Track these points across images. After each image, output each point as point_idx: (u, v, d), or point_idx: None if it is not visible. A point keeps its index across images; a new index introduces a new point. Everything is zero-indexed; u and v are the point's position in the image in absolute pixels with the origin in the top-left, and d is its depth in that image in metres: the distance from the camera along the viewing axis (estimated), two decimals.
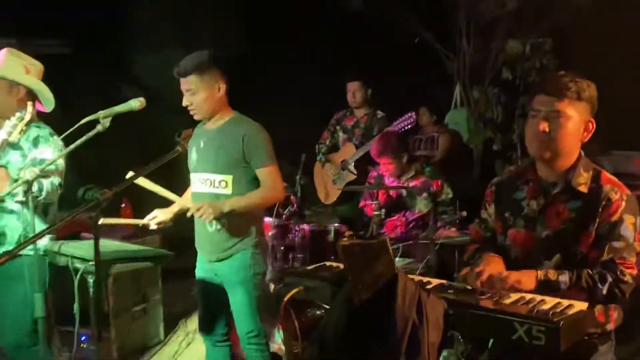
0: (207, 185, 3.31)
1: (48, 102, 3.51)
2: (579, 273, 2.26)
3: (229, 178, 3.27)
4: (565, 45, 6.34)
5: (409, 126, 5.12)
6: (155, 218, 3.42)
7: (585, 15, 5.99)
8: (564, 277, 2.26)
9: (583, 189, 2.36)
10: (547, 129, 2.32)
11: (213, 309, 3.46)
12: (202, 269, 3.47)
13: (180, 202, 3.45)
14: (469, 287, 2.32)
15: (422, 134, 7.11)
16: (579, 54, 6.10)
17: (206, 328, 3.51)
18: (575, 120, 2.33)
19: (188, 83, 3.21)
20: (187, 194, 3.55)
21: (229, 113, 3.35)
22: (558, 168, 2.40)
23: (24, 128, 3.14)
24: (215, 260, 3.35)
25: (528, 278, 2.27)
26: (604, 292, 2.24)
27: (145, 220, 3.43)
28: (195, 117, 3.31)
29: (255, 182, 3.29)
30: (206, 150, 3.32)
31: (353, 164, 5.45)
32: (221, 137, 3.29)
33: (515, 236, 2.49)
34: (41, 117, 3.52)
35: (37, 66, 3.49)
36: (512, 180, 2.56)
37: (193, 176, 3.40)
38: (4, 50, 3.44)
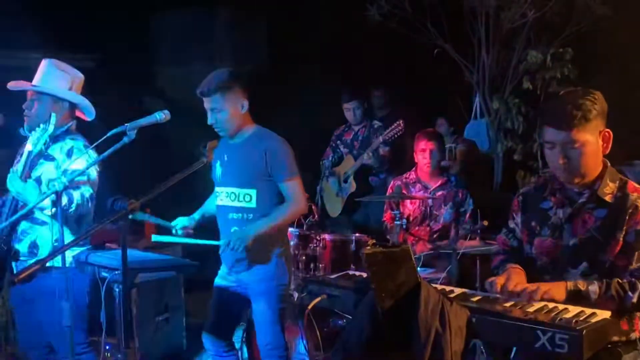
0: (232, 199, 3.36)
1: (89, 112, 3.57)
2: (608, 282, 2.27)
3: (252, 192, 3.32)
4: (586, 55, 6.31)
5: (399, 134, 5.27)
6: (180, 223, 3.52)
7: (606, 25, 5.97)
8: (594, 287, 2.27)
9: (609, 198, 2.37)
10: (566, 160, 2.34)
11: (226, 317, 3.49)
12: (225, 278, 3.49)
13: (200, 211, 3.58)
14: (492, 296, 2.33)
15: None
16: (599, 64, 6.08)
17: (213, 334, 3.52)
18: (591, 141, 2.34)
19: (212, 102, 3.27)
20: (209, 202, 3.64)
21: (252, 127, 3.41)
22: (584, 181, 2.42)
23: (47, 140, 3.21)
24: (241, 271, 3.38)
25: (558, 290, 2.28)
26: (635, 300, 2.25)
27: (172, 224, 3.51)
28: (220, 134, 3.38)
29: (279, 195, 3.34)
30: (230, 165, 3.37)
31: (352, 175, 5.60)
32: (244, 152, 3.34)
33: (541, 245, 2.51)
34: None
35: (79, 77, 3.55)
36: (539, 190, 2.58)
37: (218, 189, 3.45)
38: (46, 62, 3.49)
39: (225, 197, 3.39)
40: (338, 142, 6.01)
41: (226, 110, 3.28)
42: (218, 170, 3.45)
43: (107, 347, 4.38)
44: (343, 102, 5.87)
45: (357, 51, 7.47)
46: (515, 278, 2.38)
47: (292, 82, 7.62)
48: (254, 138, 3.37)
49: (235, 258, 3.35)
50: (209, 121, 3.32)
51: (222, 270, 3.51)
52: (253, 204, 3.32)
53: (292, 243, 4.40)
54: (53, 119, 3.24)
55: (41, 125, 3.22)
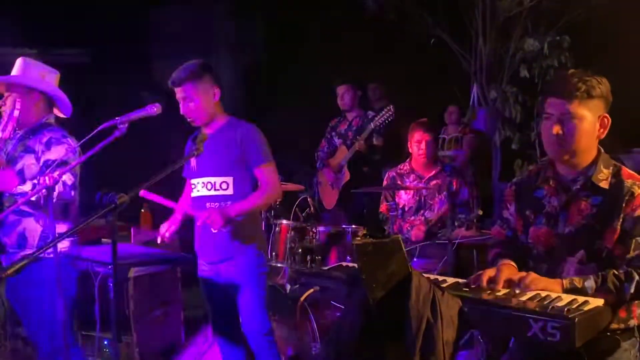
0: (209, 188, 3.37)
1: (65, 107, 3.57)
2: (604, 275, 2.23)
3: (229, 179, 3.35)
4: (584, 43, 6.29)
5: (390, 119, 5.33)
6: (169, 229, 3.44)
7: (603, 13, 5.94)
8: (590, 282, 2.23)
9: (604, 184, 2.34)
10: (560, 132, 2.31)
11: (222, 309, 3.50)
12: (205, 271, 3.50)
13: (181, 209, 3.50)
14: (484, 285, 2.32)
15: (445, 133, 7.05)
16: (597, 52, 6.05)
17: (218, 328, 3.55)
18: (589, 120, 2.32)
19: (184, 91, 3.30)
20: (184, 199, 3.62)
21: (224, 117, 3.44)
22: (577, 166, 2.40)
23: (15, 126, 3.21)
24: (217, 262, 3.39)
25: (554, 285, 2.25)
26: (632, 290, 2.21)
27: (162, 231, 3.44)
28: (193, 124, 3.40)
29: (254, 181, 3.38)
30: (205, 155, 3.36)
31: (346, 165, 5.63)
32: (219, 140, 3.36)
33: (537, 234, 2.47)
34: (61, 122, 3.58)
35: (53, 73, 3.54)
36: (532, 179, 2.55)
37: (194, 181, 3.45)
38: (20, 59, 3.49)
39: (201, 187, 3.41)
40: (333, 133, 6.02)
41: (198, 100, 3.31)
42: (192, 161, 3.46)
43: (105, 342, 4.39)
44: (335, 86, 5.93)
45: (354, 41, 7.45)
46: (506, 271, 2.36)
47: (288, 75, 7.61)
48: (227, 127, 3.40)
49: (215, 252, 3.36)
50: (182, 111, 3.35)
51: (200, 262, 3.52)
52: (230, 192, 3.34)
53: (288, 235, 4.40)
54: (18, 104, 3.24)
55: (7, 111, 3.23)
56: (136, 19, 7.72)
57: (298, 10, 7.66)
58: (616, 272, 2.23)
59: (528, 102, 6.58)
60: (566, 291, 2.23)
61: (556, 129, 2.32)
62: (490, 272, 2.36)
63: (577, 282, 2.25)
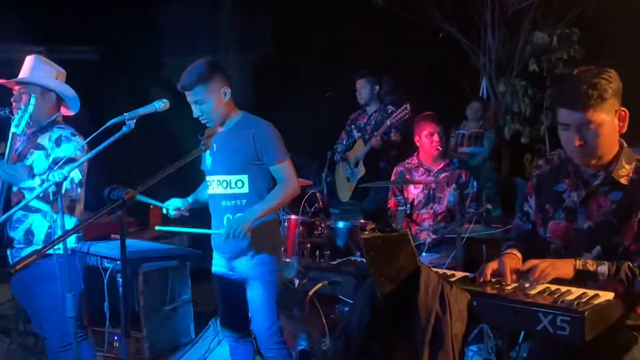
0: (224, 186, 3.37)
1: (74, 104, 3.59)
2: (618, 265, 2.21)
3: (244, 177, 3.34)
4: (593, 36, 6.24)
5: (406, 116, 5.35)
6: (173, 204, 3.47)
7: (612, 5, 5.89)
8: (603, 268, 2.22)
9: (624, 180, 2.30)
10: (582, 142, 2.25)
11: (233, 305, 3.50)
12: (220, 267, 3.51)
13: (193, 196, 3.57)
14: (493, 279, 2.31)
15: (465, 128, 6.95)
16: (607, 44, 6.00)
17: (227, 325, 3.56)
18: (607, 121, 2.25)
19: (194, 95, 3.27)
20: (201, 189, 3.64)
21: (238, 114, 3.42)
22: (600, 162, 2.35)
23: (29, 121, 3.26)
24: (233, 257, 3.39)
25: (566, 267, 2.24)
26: None
27: (164, 204, 3.46)
28: (208, 125, 3.37)
29: (270, 178, 3.36)
30: (220, 153, 3.37)
31: (362, 159, 5.66)
32: (233, 138, 3.35)
33: (555, 228, 2.45)
34: (71, 120, 3.60)
35: (62, 72, 3.60)
36: (553, 173, 2.51)
37: (209, 179, 3.46)
38: (31, 57, 3.52)
39: (217, 185, 3.40)
40: (352, 126, 6.05)
41: (210, 101, 3.27)
42: (208, 159, 3.46)
43: (116, 338, 4.41)
44: (354, 80, 5.99)
45: (362, 37, 7.43)
46: (509, 263, 2.34)
47: (298, 71, 7.60)
48: (241, 124, 3.38)
49: (232, 246, 3.35)
50: (195, 114, 3.32)
51: (216, 258, 3.52)
52: (245, 190, 3.33)
53: (297, 231, 4.39)
54: (32, 100, 3.28)
55: (22, 107, 3.25)
56: (144, 15, 7.72)
57: (305, 4, 7.64)
58: (631, 265, 2.21)
59: (537, 96, 6.52)
60: (578, 272, 2.22)
61: (577, 140, 2.25)
62: (493, 265, 2.35)
63: (591, 265, 2.23)
